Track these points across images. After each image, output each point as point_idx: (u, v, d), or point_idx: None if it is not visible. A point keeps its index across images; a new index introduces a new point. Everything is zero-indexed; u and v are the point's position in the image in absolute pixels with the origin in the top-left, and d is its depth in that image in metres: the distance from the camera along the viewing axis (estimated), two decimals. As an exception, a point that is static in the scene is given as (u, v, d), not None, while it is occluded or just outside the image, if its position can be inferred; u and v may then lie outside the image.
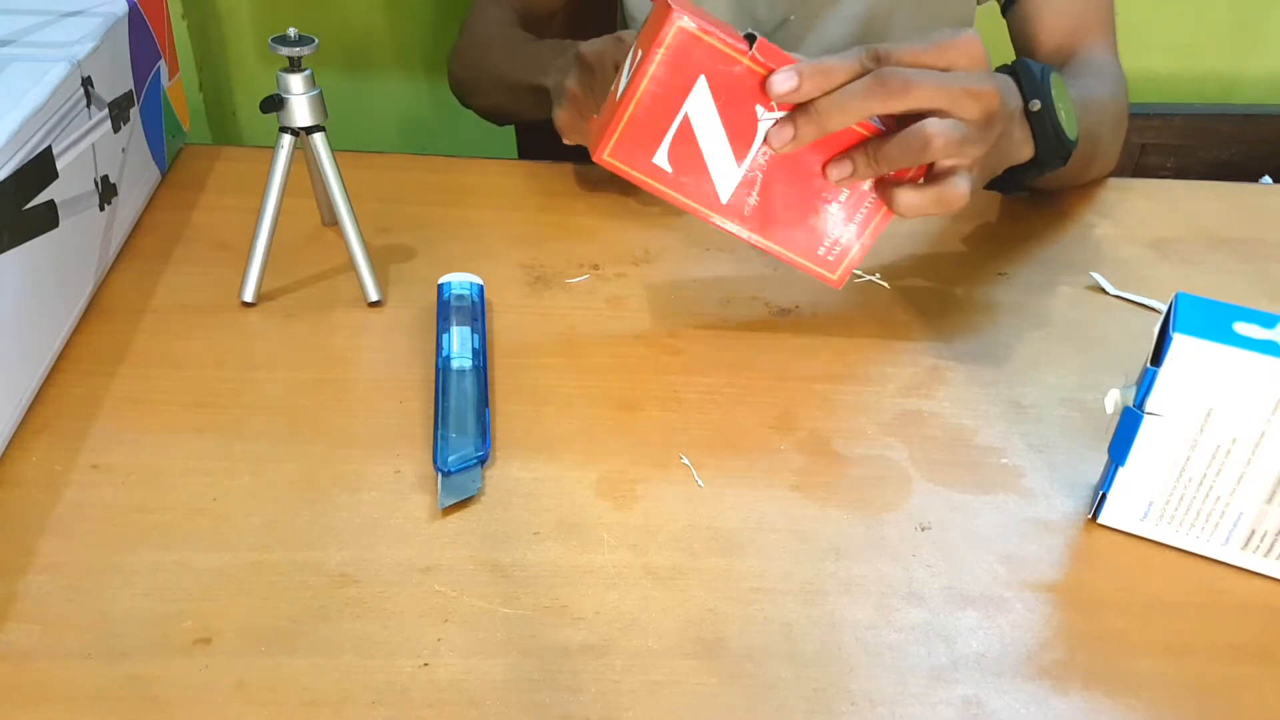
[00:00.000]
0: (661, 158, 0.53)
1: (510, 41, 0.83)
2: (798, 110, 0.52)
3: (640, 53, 0.52)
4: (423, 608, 0.43)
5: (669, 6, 0.51)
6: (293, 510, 0.48)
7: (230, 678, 0.40)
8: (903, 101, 0.51)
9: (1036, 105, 0.60)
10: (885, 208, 0.56)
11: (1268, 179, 1.09)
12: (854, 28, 0.84)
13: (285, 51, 0.56)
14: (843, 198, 0.56)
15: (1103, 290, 0.67)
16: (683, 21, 0.50)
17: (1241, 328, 0.44)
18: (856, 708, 0.41)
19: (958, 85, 0.52)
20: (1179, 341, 0.44)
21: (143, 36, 0.67)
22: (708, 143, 0.53)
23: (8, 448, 0.50)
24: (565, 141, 0.68)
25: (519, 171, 0.77)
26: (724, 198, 0.55)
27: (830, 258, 0.57)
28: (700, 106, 0.52)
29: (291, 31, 0.56)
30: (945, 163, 0.54)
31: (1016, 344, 0.62)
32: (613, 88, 0.55)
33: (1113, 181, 0.81)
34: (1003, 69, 0.62)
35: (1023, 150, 0.61)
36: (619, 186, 0.75)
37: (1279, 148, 1.23)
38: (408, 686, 0.40)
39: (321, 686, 0.40)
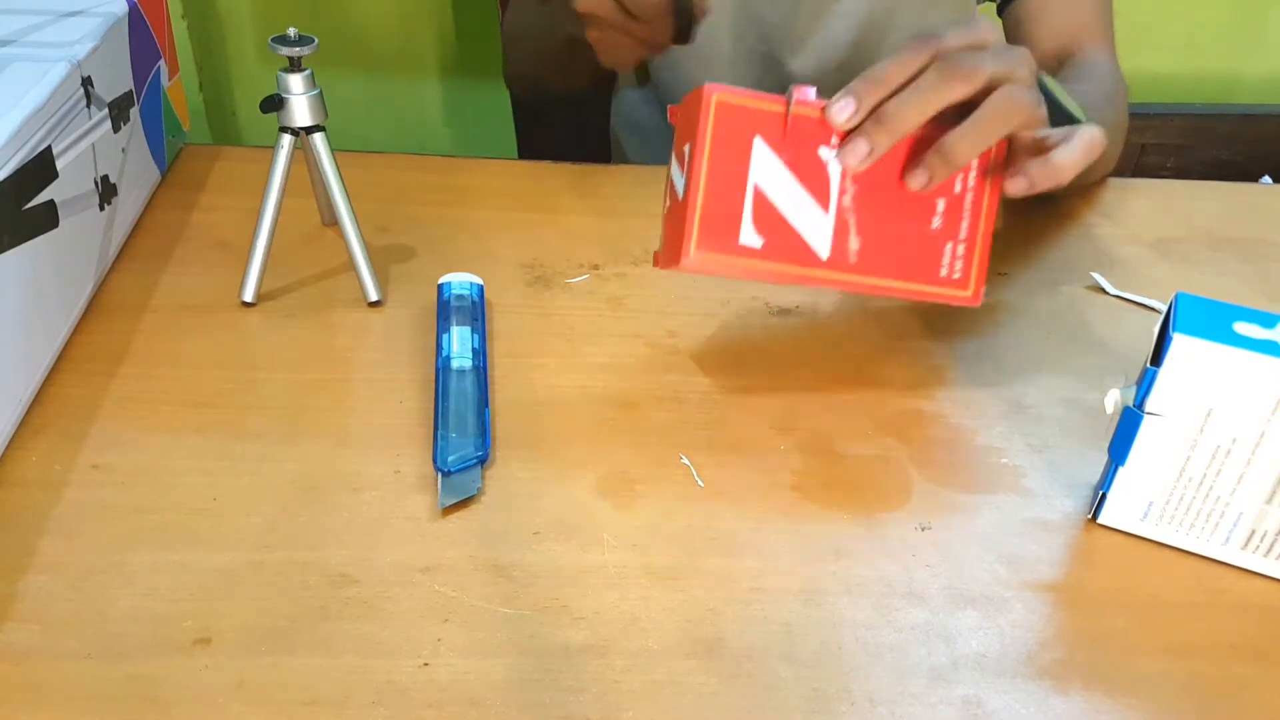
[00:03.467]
0: (748, 236, 0.50)
1: (535, 12, 0.83)
2: (868, 120, 0.50)
3: (688, 147, 0.50)
4: (423, 608, 0.43)
5: (699, 89, 0.50)
6: (293, 510, 0.48)
7: (230, 678, 0.40)
8: (972, 84, 0.50)
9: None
10: (984, 202, 0.54)
11: (1268, 179, 1.09)
12: (855, 29, 0.84)
13: (285, 51, 0.56)
14: (940, 209, 0.53)
15: (1103, 290, 0.67)
16: (718, 94, 0.49)
17: (1241, 328, 0.44)
18: (856, 708, 0.41)
19: (1011, 56, 0.51)
20: (1179, 341, 0.44)
21: (142, 36, 0.67)
22: (787, 203, 0.51)
23: (8, 448, 0.50)
24: (604, 63, 0.66)
25: (519, 171, 0.77)
26: (824, 254, 0.52)
27: (955, 276, 0.55)
28: (766, 171, 0.50)
29: (291, 31, 0.56)
30: (1024, 133, 0.53)
31: (1016, 344, 0.62)
32: (666, 197, 0.53)
33: (1113, 181, 0.81)
34: None
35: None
36: (619, 187, 0.75)
37: (1279, 148, 1.23)
38: (408, 686, 0.40)
39: (321, 686, 0.40)
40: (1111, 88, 0.77)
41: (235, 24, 1.27)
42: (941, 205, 0.53)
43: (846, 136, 0.50)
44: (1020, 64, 0.52)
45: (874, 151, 0.50)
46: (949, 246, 0.54)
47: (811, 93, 0.51)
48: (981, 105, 0.51)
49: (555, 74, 0.88)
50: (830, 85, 0.53)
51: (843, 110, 0.50)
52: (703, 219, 0.50)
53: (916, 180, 0.51)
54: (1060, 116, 0.60)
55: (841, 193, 0.52)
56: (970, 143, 0.51)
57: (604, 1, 0.63)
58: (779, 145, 0.50)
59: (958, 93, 0.50)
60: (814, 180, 0.51)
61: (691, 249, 0.49)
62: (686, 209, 0.50)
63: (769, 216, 0.51)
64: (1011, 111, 0.51)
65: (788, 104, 0.50)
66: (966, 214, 0.54)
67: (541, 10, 0.79)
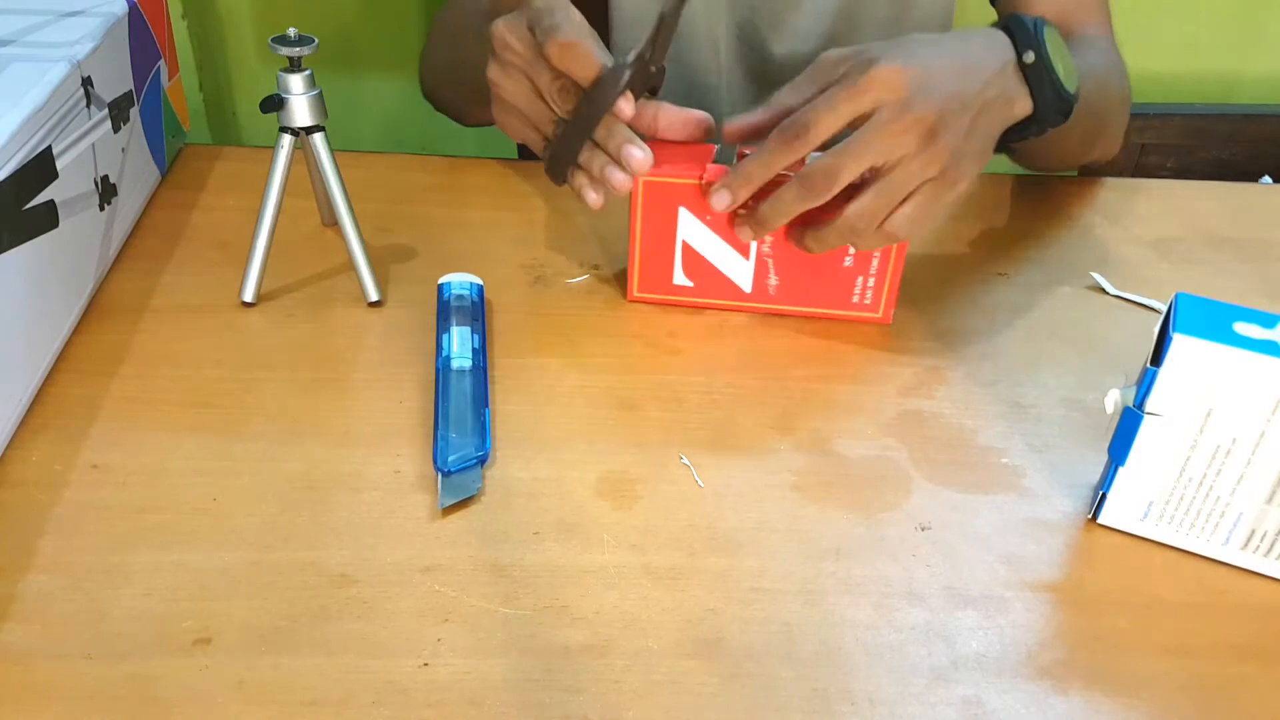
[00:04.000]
0: (680, 278, 0.62)
1: (468, 34, 0.73)
2: (746, 216, 0.57)
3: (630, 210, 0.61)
4: (423, 608, 0.43)
5: None
6: (293, 510, 0.48)
7: (230, 678, 0.40)
8: (832, 189, 0.54)
9: (1030, 57, 0.58)
10: (893, 246, 0.59)
11: (1268, 179, 1.09)
12: (830, 17, 0.84)
13: (285, 51, 0.56)
14: (851, 251, 0.60)
15: (1103, 290, 0.67)
16: (643, 177, 0.58)
17: (1241, 328, 0.44)
18: (856, 708, 0.41)
19: (880, 135, 0.53)
20: (1179, 341, 0.44)
21: (142, 36, 0.67)
22: (711, 253, 0.61)
23: (8, 448, 0.50)
24: (512, 138, 0.63)
25: (519, 171, 0.77)
26: (746, 289, 0.62)
27: (867, 301, 0.61)
28: (690, 230, 0.60)
29: (291, 31, 0.56)
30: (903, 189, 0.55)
31: (1016, 344, 0.62)
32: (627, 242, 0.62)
33: (1113, 181, 0.81)
34: (996, 25, 0.60)
35: (1018, 106, 0.59)
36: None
37: (1279, 148, 1.23)
38: (408, 686, 0.40)
39: (321, 686, 0.40)
40: (1116, 62, 0.75)
41: (235, 24, 1.27)
42: (852, 250, 0.60)
43: (712, 189, 0.57)
44: (897, 138, 0.53)
45: (756, 237, 0.59)
46: (860, 280, 0.61)
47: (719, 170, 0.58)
48: (834, 223, 0.56)
49: (469, 106, 0.80)
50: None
51: (720, 202, 0.57)
52: (641, 269, 0.62)
53: (815, 244, 0.58)
54: (1048, 78, 0.58)
55: (760, 242, 0.60)
56: (828, 243, 0.57)
57: (518, 47, 0.57)
58: (699, 211, 0.59)
59: (815, 202, 0.55)
60: (732, 234, 0.60)
61: (634, 290, 0.63)
62: (630, 258, 0.62)
63: (697, 263, 0.61)
64: (857, 234, 0.56)
65: (701, 177, 0.58)
66: (876, 254, 0.60)
67: (469, 40, 0.71)
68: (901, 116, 0.53)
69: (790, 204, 0.55)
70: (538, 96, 0.58)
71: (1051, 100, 0.59)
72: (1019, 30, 0.59)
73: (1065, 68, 0.60)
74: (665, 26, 0.56)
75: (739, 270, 0.61)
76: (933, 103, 0.53)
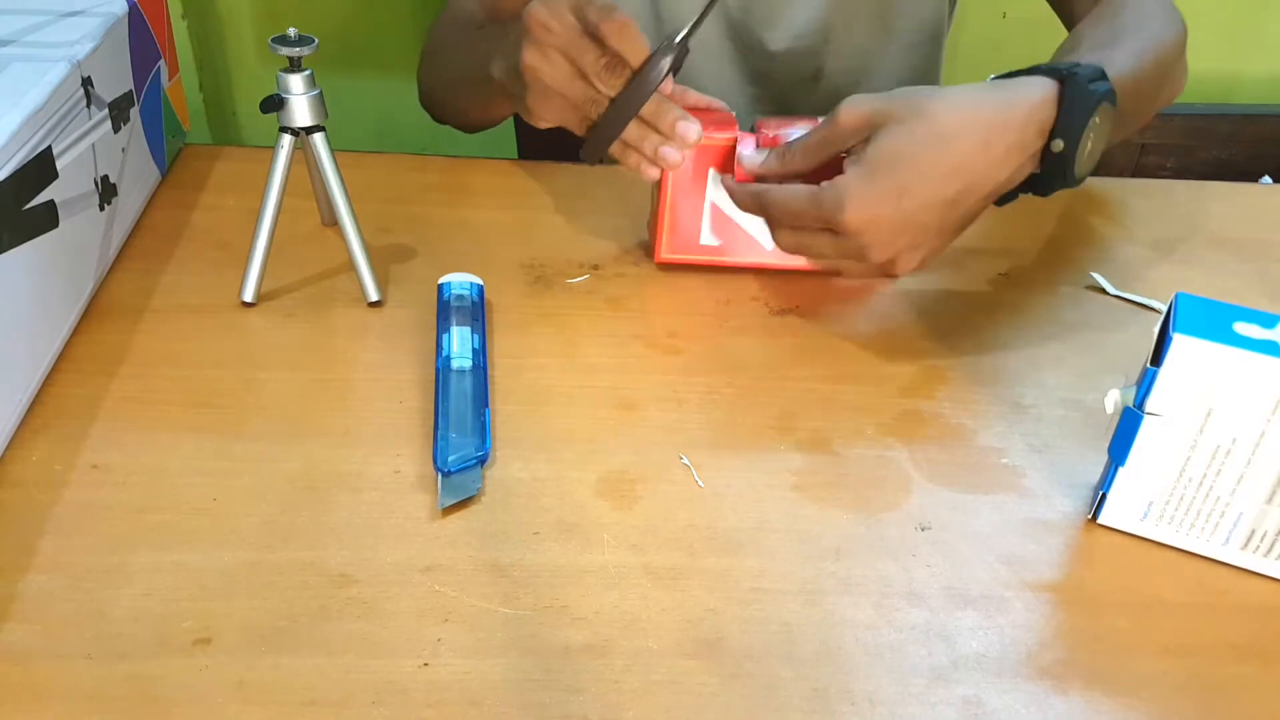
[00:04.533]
0: (708, 237, 0.64)
1: (467, 36, 0.78)
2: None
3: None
4: (423, 608, 0.43)
5: None
6: (293, 510, 0.48)
7: (230, 678, 0.40)
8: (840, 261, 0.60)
9: (1059, 145, 0.56)
10: None
11: (1268, 179, 1.09)
12: (822, 11, 0.84)
13: (285, 51, 0.56)
14: None
15: (1103, 290, 0.67)
16: None
17: (1241, 328, 0.44)
18: (856, 708, 0.41)
19: (838, 261, 0.59)
20: (1179, 341, 0.44)
21: (142, 36, 0.67)
22: (738, 212, 0.62)
23: (8, 448, 0.50)
24: (540, 126, 0.63)
25: (519, 171, 0.77)
26: (770, 246, 0.62)
27: None
28: (720, 192, 0.62)
29: (291, 31, 0.56)
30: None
31: (1016, 344, 0.62)
32: (652, 196, 0.65)
33: (1113, 181, 0.80)
34: (1055, 71, 0.57)
35: (1017, 179, 0.58)
36: (619, 187, 0.75)
37: (1279, 148, 1.23)
38: (408, 686, 0.40)
39: (322, 686, 0.40)
40: (1164, 18, 0.71)
41: (235, 24, 1.27)
42: None
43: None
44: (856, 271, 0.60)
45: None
46: None
47: (752, 142, 0.62)
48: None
49: (472, 108, 0.80)
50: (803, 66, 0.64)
51: (753, 159, 0.61)
52: (669, 231, 0.64)
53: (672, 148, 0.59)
54: (1062, 168, 0.57)
55: None
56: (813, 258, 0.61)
57: (561, 104, 0.59)
58: (729, 170, 0.62)
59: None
60: None
61: (663, 253, 0.65)
62: (659, 222, 0.64)
63: (724, 223, 0.64)
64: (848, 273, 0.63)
65: (733, 138, 0.61)
66: None
67: (471, 41, 0.75)
68: (858, 259, 0.58)
69: (808, 246, 0.60)
70: (579, 76, 0.58)
71: (1055, 181, 0.59)
72: (1072, 100, 0.56)
73: (1091, 151, 0.59)
74: (709, 7, 0.58)
75: (763, 229, 0.62)
76: (890, 248, 0.57)
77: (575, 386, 0.56)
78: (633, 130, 0.59)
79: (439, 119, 0.86)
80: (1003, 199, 0.60)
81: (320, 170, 0.60)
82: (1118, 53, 0.64)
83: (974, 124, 0.56)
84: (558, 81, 0.58)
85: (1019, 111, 0.56)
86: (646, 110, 0.58)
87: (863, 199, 0.55)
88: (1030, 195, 0.61)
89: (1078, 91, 0.56)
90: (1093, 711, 0.41)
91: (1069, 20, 0.82)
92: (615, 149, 0.60)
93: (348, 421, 0.53)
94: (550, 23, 0.58)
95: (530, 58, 0.59)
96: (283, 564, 0.45)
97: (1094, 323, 0.64)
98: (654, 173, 0.60)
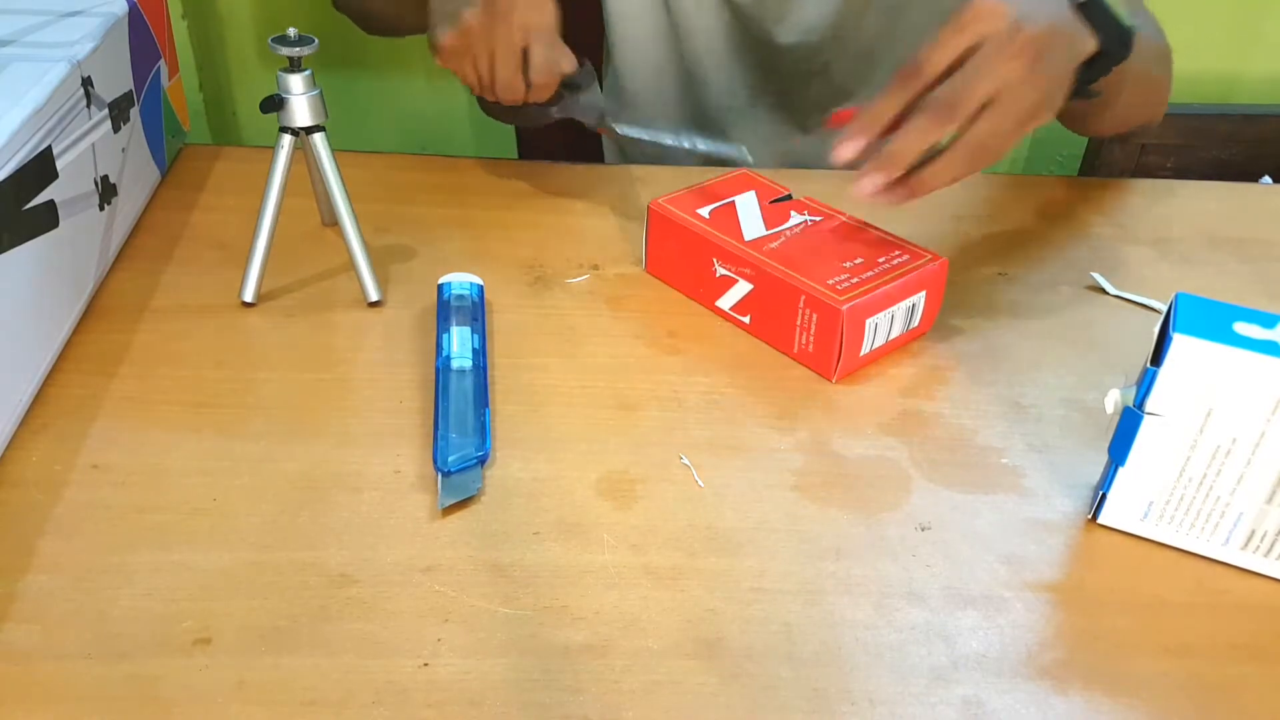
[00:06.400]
0: (704, 212, 0.64)
1: None
2: (875, 159, 0.56)
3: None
4: (423, 608, 0.43)
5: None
6: (293, 510, 0.48)
7: (230, 678, 0.40)
8: (955, 115, 0.54)
9: None
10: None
11: (1268, 179, 1.08)
12: (833, 6, 0.84)
13: (285, 51, 0.56)
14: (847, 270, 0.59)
15: (1103, 290, 0.67)
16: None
17: (1241, 328, 0.44)
18: (856, 708, 0.41)
19: (993, 59, 0.54)
20: (1179, 341, 0.44)
21: (143, 36, 0.67)
22: (746, 212, 0.64)
23: (8, 448, 0.50)
24: (439, 64, 0.66)
25: (519, 171, 0.77)
26: (748, 237, 0.62)
27: (840, 287, 0.57)
28: (746, 200, 0.66)
29: (291, 31, 0.56)
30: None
31: (1016, 344, 0.62)
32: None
33: (1113, 181, 0.81)
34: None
35: (1085, 44, 0.59)
36: (619, 187, 0.75)
37: (1279, 148, 1.23)
38: (408, 686, 0.40)
39: (322, 686, 0.40)
40: (1151, 24, 0.74)
41: (235, 24, 1.27)
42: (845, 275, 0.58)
43: (861, 175, 0.57)
44: (1007, 63, 0.54)
45: (884, 183, 0.56)
46: (851, 277, 0.59)
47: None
48: (960, 142, 0.55)
49: (383, 25, 0.85)
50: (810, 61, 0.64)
51: (849, 149, 0.57)
52: (676, 197, 0.65)
53: (867, 186, 0.56)
54: (1105, 11, 0.59)
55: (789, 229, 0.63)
56: (943, 178, 0.56)
57: (463, 71, 0.65)
58: (764, 204, 0.65)
59: (940, 134, 0.55)
60: (774, 217, 0.64)
61: (663, 201, 0.65)
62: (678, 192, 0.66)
63: (724, 210, 0.64)
64: (984, 151, 0.55)
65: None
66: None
67: None
68: (1010, 41, 0.54)
69: (919, 133, 0.55)
70: (489, 69, 0.64)
71: (1114, 33, 0.60)
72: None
73: (1115, 4, 0.61)
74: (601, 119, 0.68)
75: (752, 226, 0.63)
76: (1036, 26, 0.55)
77: (575, 386, 0.56)
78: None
79: (344, 11, 0.87)
80: (1086, 77, 0.60)
81: (320, 170, 0.60)
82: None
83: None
84: (473, 57, 0.64)
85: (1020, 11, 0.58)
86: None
87: (1021, 5, 0.55)
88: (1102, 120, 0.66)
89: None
90: (1093, 711, 0.41)
91: None
92: None
93: (348, 421, 0.53)
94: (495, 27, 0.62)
95: (456, 35, 0.63)
96: (283, 564, 0.45)
97: (1094, 323, 0.64)
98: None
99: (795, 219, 0.64)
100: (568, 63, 0.65)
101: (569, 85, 0.67)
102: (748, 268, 0.60)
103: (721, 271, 0.61)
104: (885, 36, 0.87)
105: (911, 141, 0.55)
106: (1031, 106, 0.56)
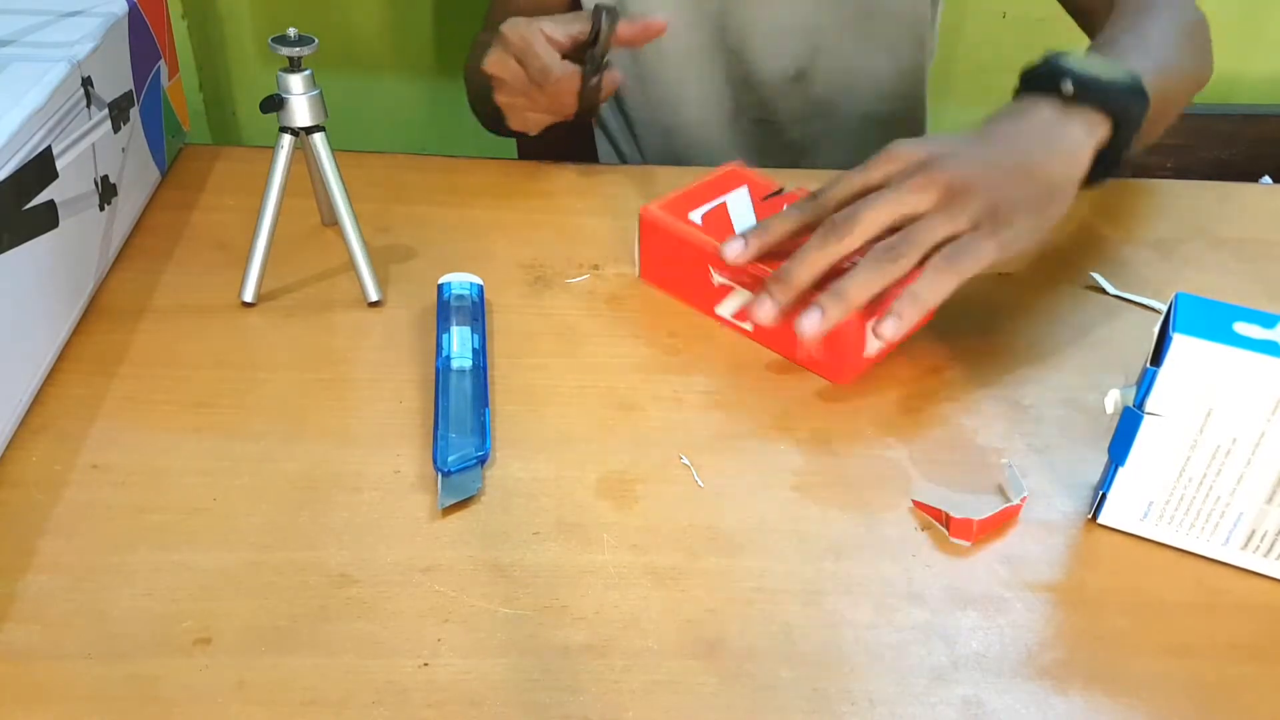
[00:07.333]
0: (696, 217, 0.63)
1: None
2: (768, 279, 0.55)
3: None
4: (423, 608, 0.43)
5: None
6: (293, 510, 0.48)
7: (230, 678, 0.40)
8: (852, 235, 0.53)
9: (1069, 87, 0.57)
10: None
11: (1268, 179, 1.09)
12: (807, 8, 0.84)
13: (285, 51, 0.56)
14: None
15: (1103, 290, 0.67)
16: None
17: (1242, 328, 0.44)
18: (856, 708, 0.41)
19: (899, 189, 0.54)
20: (1179, 341, 0.44)
21: (142, 36, 0.67)
22: (739, 217, 0.63)
23: (8, 448, 0.50)
24: (511, 126, 0.72)
25: (519, 171, 0.77)
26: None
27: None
28: (738, 199, 0.65)
29: (291, 31, 0.56)
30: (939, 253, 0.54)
31: (1016, 344, 0.62)
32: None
33: (1113, 181, 0.80)
34: (1017, 91, 0.60)
35: (1091, 130, 0.58)
36: (619, 187, 0.75)
37: (1279, 148, 1.23)
38: (408, 686, 0.40)
39: (322, 686, 0.40)
40: (1175, 11, 0.72)
41: (235, 24, 1.27)
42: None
43: (755, 297, 0.55)
44: (917, 192, 0.54)
45: (780, 309, 0.54)
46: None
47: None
48: (868, 254, 0.53)
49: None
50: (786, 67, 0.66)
51: (733, 250, 0.57)
52: (667, 203, 0.64)
53: (810, 324, 0.53)
54: (1098, 88, 0.58)
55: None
56: (863, 289, 0.53)
57: (509, 66, 0.68)
58: (756, 201, 0.64)
59: (840, 250, 0.54)
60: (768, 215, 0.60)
61: (654, 207, 0.63)
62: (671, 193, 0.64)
63: (717, 212, 0.63)
64: (941, 286, 0.53)
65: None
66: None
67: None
68: (915, 178, 0.54)
69: (813, 255, 0.54)
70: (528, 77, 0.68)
71: (1119, 99, 0.58)
72: (1036, 79, 0.59)
73: (1105, 67, 0.59)
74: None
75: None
76: (952, 164, 0.54)
77: (575, 386, 0.56)
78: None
79: (489, 129, 0.89)
80: (1113, 154, 0.60)
81: (320, 170, 0.60)
82: (1148, 57, 0.64)
83: (981, 132, 0.59)
84: (513, 79, 0.68)
85: (1000, 113, 0.59)
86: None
87: (941, 148, 0.55)
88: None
89: (1031, 74, 0.60)
90: (1093, 712, 0.41)
91: (1084, 15, 0.82)
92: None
93: (348, 421, 0.53)
94: (511, 34, 0.67)
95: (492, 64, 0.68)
96: (283, 564, 0.45)
97: (1094, 323, 0.64)
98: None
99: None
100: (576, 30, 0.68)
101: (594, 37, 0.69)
102: (745, 275, 0.59)
103: (719, 280, 0.60)
104: (862, 39, 0.88)
105: (804, 264, 0.53)
106: (953, 246, 0.53)
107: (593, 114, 0.71)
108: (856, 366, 0.57)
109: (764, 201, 0.64)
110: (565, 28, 0.68)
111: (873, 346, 0.57)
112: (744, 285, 0.59)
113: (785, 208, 0.58)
